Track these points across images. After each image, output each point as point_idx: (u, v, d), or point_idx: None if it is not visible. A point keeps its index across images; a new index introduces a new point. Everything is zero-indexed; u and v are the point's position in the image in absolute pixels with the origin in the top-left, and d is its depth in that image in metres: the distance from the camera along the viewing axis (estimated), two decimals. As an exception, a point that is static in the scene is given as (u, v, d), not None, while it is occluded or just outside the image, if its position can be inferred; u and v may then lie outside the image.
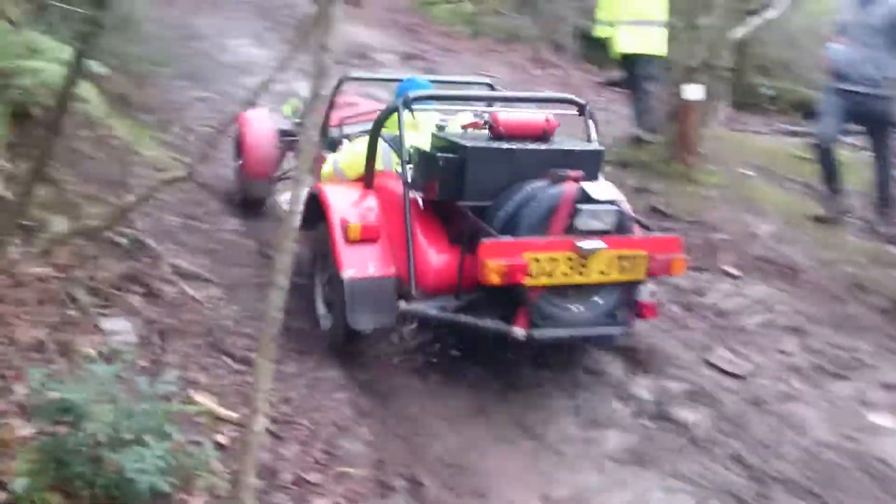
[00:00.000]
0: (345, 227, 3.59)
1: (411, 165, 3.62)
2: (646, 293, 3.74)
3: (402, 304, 3.49)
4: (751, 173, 6.45)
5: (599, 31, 7.21)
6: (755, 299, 4.88)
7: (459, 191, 3.47)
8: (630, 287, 3.53)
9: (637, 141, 6.79)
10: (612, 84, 9.33)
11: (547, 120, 3.70)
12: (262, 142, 5.33)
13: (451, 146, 3.53)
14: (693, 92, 6.14)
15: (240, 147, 5.52)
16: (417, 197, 3.57)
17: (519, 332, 3.29)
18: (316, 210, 3.83)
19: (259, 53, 11.40)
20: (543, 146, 3.63)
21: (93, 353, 3.05)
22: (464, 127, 3.95)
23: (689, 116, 6.21)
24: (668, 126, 6.47)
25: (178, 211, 5.14)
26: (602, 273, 3.30)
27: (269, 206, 5.73)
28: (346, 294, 3.49)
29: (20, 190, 2.46)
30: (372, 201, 3.80)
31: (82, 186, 4.45)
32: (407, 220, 3.50)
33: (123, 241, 4.07)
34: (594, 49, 9.52)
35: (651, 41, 6.68)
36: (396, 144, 3.78)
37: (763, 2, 7.63)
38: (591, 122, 4.11)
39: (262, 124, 5.40)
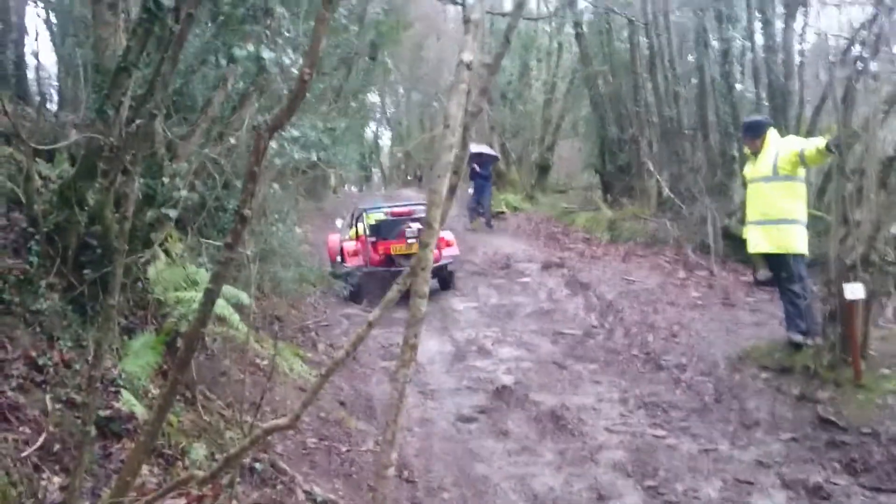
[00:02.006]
0: (347, 252, 11.05)
1: (367, 229, 11.11)
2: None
3: (364, 270, 10.61)
4: (933, 376, 5.76)
5: (744, 232, 7.00)
6: (959, 528, 4.15)
7: (377, 234, 11.03)
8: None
9: (795, 345, 6.30)
10: (762, 284, 8.92)
11: (409, 210, 11.54)
12: (334, 244, 12.00)
13: (377, 221, 11.31)
14: (854, 291, 5.69)
15: (328, 248, 12.50)
16: (368, 239, 10.95)
17: (393, 268, 10.48)
18: (341, 249, 11.36)
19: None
20: (406, 218, 11.13)
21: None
22: (385, 213, 11.66)
23: (853, 316, 5.71)
24: (830, 328, 5.98)
25: (317, 430, 5.14)
26: (415, 250, 7.70)
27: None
28: (348, 273, 10.36)
29: (152, 417, 2.48)
30: (357, 244, 11.15)
31: (225, 410, 4.54)
32: (366, 245, 10.87)
33: (259, 466, 4.05)
34: (740, 248, 9.22)
35: (785, 240, 6.36)
36: (364, 223, 11.25)
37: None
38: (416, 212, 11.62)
39: (335, 237, 12.27)
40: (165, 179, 3.67)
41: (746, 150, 6.84)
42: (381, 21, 16.60)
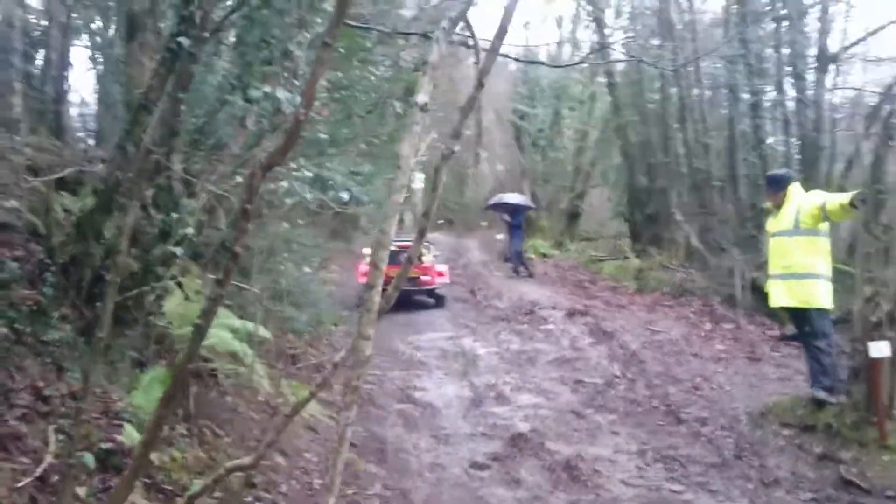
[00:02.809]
0: (361, 272, 13.17)
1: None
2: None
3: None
4: (964, 442, 5.54)
5: (766, 286, 6.89)
6: None
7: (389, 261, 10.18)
8: (417, 279, 13.20)
9: (818, 402, 6.12)
10: (789, 339, 8.72)
11: (409, 245, 12.49)
12: (361, 269, 13.53)
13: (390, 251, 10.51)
14: (879, 349, 5.53)
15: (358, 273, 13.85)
16: None
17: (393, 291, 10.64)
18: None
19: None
20: (405, 250, 9.74)
21: None
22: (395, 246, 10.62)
23: (878, 375, 5.55)
24: (855, 386, 5.80)
25: (324, 472, 5.06)
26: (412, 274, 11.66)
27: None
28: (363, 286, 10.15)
29: (137, 452, 2.45)
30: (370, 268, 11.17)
31: (232, 448, 4.50)
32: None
33: (260, 506, 4.00)
34: (768, 302, 9.07)
35: (807, 295, 6.23)
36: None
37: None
38: (428, 246, 14.26)
39: (362, 263, 13.69)
40: (175, 216, 3.71)
41: (769, 204, 6.77)
42: (415, 70, 16.90)
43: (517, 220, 17.92)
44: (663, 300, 12.43)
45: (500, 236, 19.28)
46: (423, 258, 14.10)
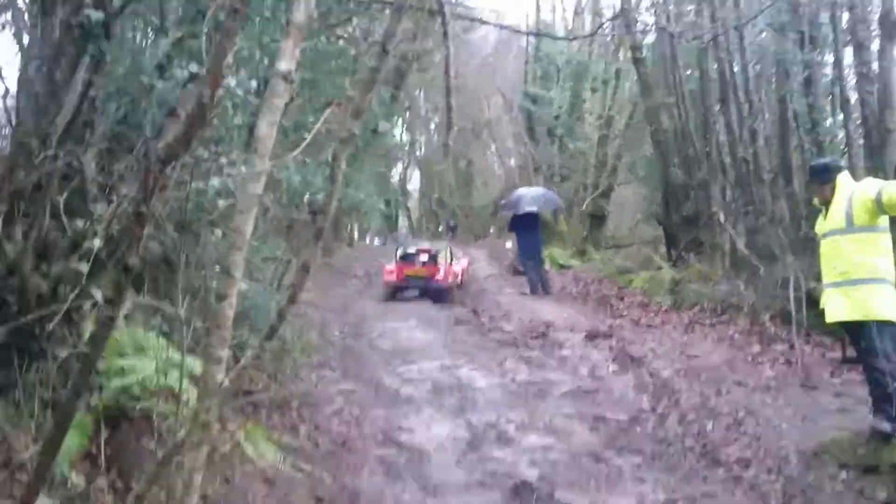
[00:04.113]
0: (386, 271, 19.51)
1: (398, 259, 19.53)
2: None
3: (392, 283, 18.95)
4: None
5: (822, 299, 6.83)
6: None
7: (402, 262, 19.28)
8: (430, 277, 18.51)
9: (882, 436, 6.07)
10: (853, 362, 8.67)
11: (426, 249, 19.77)
12: (387, 268, 19.62)
13: (405, 253, 19.56)
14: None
15: (384, 272, 19.86)
16: (398, 264, 19.45)
17: (405, 283, 19.07)
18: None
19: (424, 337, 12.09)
20: (426, 254, 19.26)
21: None
22: (413, 250, 20.06)
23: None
24: (925, 417, 5.77)
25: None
26: (420, 272, 18.87)
27: None
28: (386, 283, 19.32)
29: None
30: (393, 267, 19.16)
31: (168, 503, 4.47)
32: (396, 268, 19.15)
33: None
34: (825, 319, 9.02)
35: (866, 304, 6.18)
36: (397, 256, 19.78)
37: None
38: (447, 250, 19.32)
39: (388, 264, 19.81)
40: (84, 225, 3.68)
41: (815, 201, 6.73)
42: (407, 48, 17.04)
43: (515, 224, 17.92)
44: (703, 318, 12.41)
45: (509, 245, 19.76)
46: (438, 259, 19.05)
